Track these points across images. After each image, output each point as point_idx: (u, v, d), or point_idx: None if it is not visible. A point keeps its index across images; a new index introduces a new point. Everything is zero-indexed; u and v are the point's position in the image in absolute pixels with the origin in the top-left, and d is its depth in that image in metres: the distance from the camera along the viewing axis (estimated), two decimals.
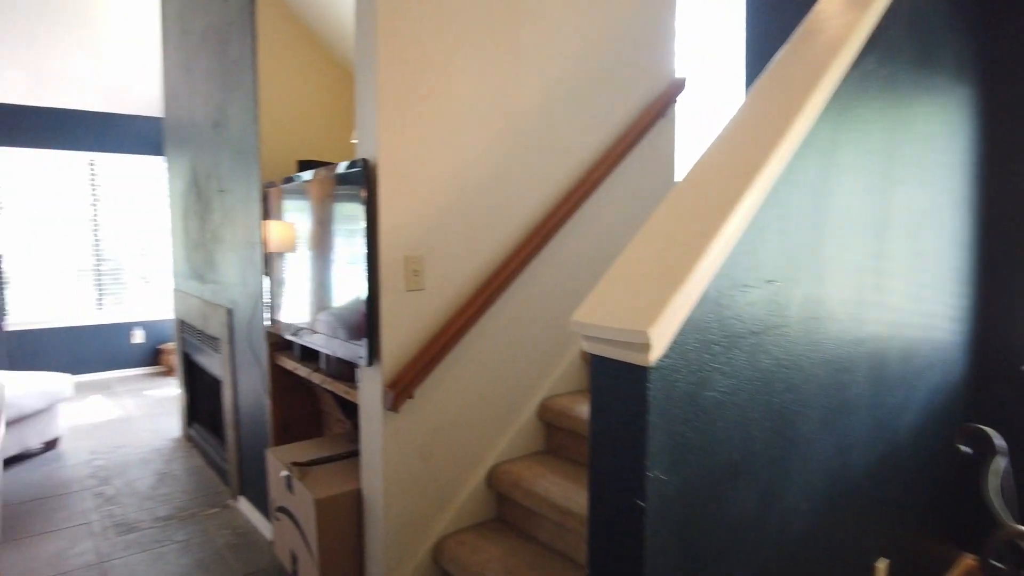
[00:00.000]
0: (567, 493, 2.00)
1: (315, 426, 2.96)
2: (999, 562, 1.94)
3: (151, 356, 6.41)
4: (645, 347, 1.06)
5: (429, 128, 2.02)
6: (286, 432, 2.85)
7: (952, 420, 2.22)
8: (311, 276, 2.37)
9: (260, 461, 2.97)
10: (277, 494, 2.40)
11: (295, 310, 2.51)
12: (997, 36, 2.21)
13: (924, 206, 1.92)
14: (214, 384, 3.77)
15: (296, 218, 2.45)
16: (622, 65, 2.55)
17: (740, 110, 1.47)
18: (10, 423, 3.74)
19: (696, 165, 1.37)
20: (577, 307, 1.90)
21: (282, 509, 2.36)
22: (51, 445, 4.12)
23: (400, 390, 1.94)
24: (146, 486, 3.50)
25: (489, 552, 2.04)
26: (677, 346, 1.13)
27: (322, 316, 2.29)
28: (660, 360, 1.09)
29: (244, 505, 3.19)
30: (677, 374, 1.13)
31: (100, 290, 6.16)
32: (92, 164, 6.01)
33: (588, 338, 1.15)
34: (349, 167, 2.03)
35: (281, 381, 2.82)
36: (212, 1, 3.19)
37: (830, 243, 1.53)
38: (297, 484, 2.20)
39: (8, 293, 5.65)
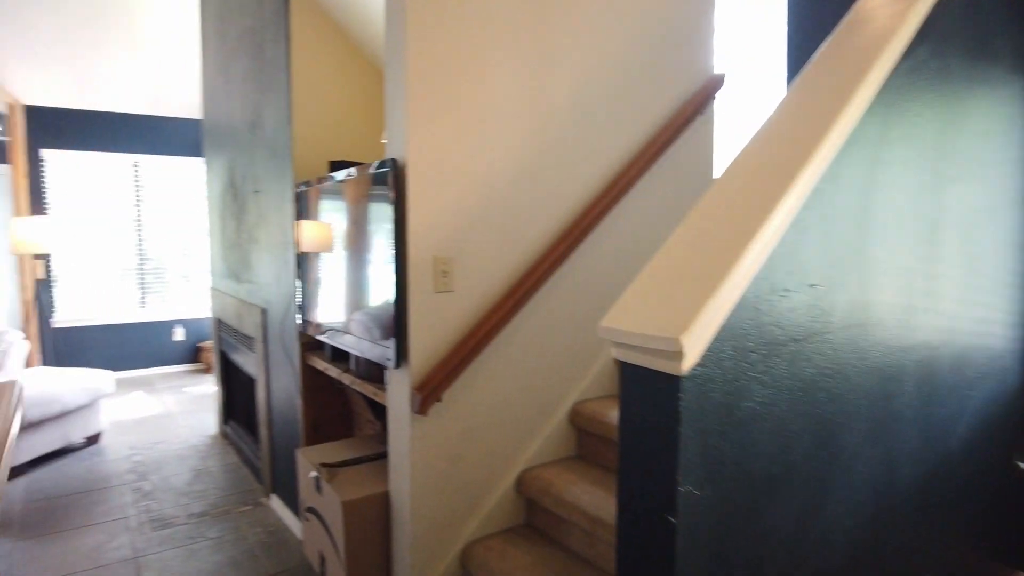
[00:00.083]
0: (598, 501, 1.94)
1: (346, 426, 2.96)
2: None
3: (191, 353, 6.54)
4: (678, 355, 1.01)
5: (459, 127, 1.98)
6: (317, 432, 2.86)
7: (1008, 433, 2.09)
8: (341, 277, 2.36)
9: (292, 460, 2.99)
10: (306, 494, 2.40)
11: (325, 310, 2.51)
12: None
13: (979, 205, 1.81)
14: (249, 382, 3.82)
15: (326, 219, 2.45)
16: (658, 61, 2.48)
17: (781, 105, 1.40)
18: (54, 418, 3.84)
19: (734, 163, 1.31)
20: (609, 310, 1.85)
21: (311, 510, 2.36)
22: (93, 440, 4.22)
23: (428, 393, 1.91)
24: (182, 482, 3.55)
25: (517, 559, 2.00)
26: (712, 354, 1.07)
27: (351, 317, 2.28)
28: (694, 369, 1.04)
29: (276, 503, 3.21)
30: (712, 383, 1.07)
31: (143, 289, 6.31)
32: (136, 166, 6.16)
33: (618, 345, 1.10)
34: (378, 167, 2.01)
35: (312, 381, 2.83)
36: (248, 4, 3.22)
37: (877, 245, 1.45)
38: (325, 485, 2.19)
39: (56, 292, 5.83)
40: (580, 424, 2.28)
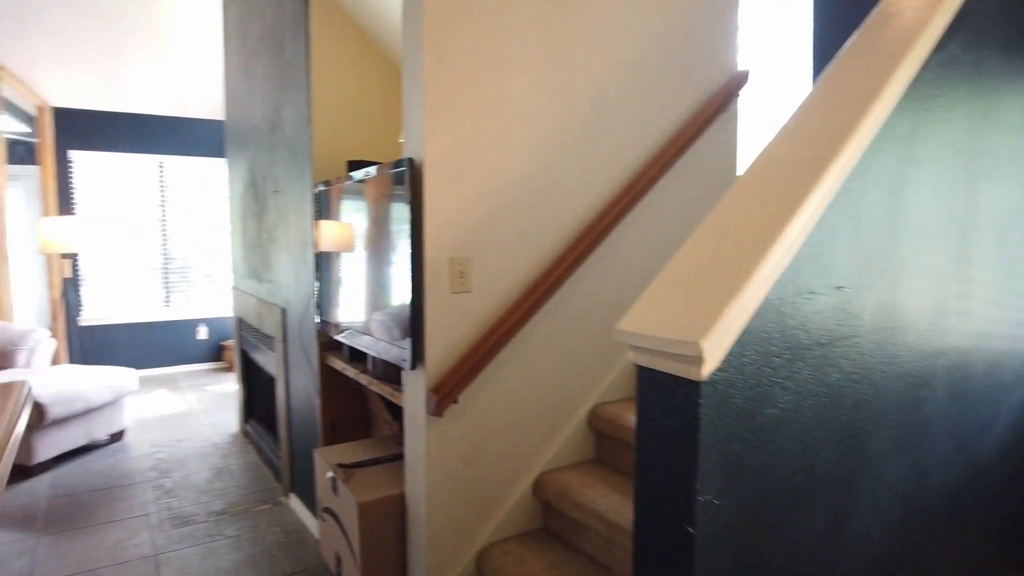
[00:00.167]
0: (616, 506, 1.91)
1: (364, 427, 2.96)
2: None
3: (214, 352, 6.62)
4: (697, 360, 0.97)
5: (477, 126, 1.96)
6: (335, 432, 2.86)
7: None
8: (358, 277, 2.35)
9: (310, 459, 2.99)
10: (323, 494, 2.40)
11: (342, 310, 2.50)
12: None
13: (1015, 205, 1.74)
14: (269, 382, 3.84)
15: (344, 219, 2.44)
16: (680, 57, 2.43)
17: (807, 100, 1.35)
18: (79, 415, 3.89)
19: (758, 160, 1.27)
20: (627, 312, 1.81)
21: (328, 510, 2.35)
22: (117, 437, 4.27)
23: (444, 395, 1.89)
24: (203, 480, 3.58)
25: (534, 564, 1.97)
26: (733, 358, 1.03)
27: (367, 317, 2.27)
28: (714, 374, 1.00)
29: (295, 503, 3.22)
30: (733, 389, 1.04)
31: (168, 288, 6.39)
32: (161, 166, 6.24)
33: (635, 348, 1.07)
34: (394, 167, 2.00)
35: (331, 381, 2.83)
36: (268, 4, 3.23)
37: (907, 245, 1.39)
38: (341, 486, 2.18)
39: (83, 290, 5.93)
40: (599, 427, 2.25)
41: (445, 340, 1.96)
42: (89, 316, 5.96)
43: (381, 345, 2.16)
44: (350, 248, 2.41)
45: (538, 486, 2.16)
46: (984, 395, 1.71)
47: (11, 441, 0.79)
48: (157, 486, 3.50)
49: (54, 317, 5.59)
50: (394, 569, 2.12)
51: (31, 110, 5.61)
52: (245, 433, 4.38)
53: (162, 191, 6.28)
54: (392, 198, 2.03)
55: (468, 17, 1.91)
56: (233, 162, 4.26)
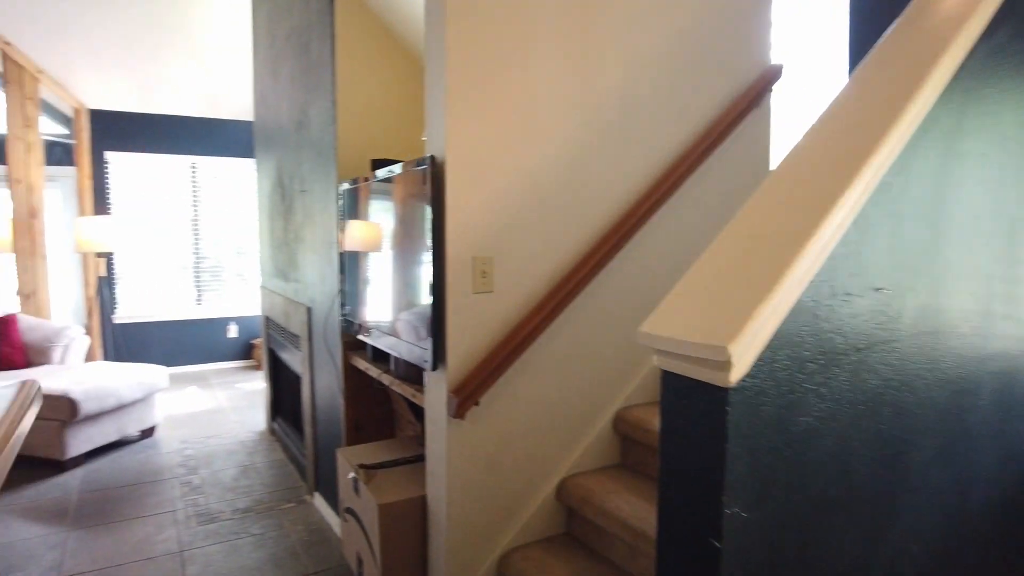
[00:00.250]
0: (641, 513, 1.86)
1: (388, 427, 2.94)
2: None
3: (244, 350, 6.69)
4: (725, 365, 0.92)
5: (500, 123, 1.92)
6: (359, 432, 2.85)
7: None
8: (380, 276, 2.33)
9: (334, 458, 2.99)
10: (345, 495, 2.39)
11: (365, 310, 2.49)
12: None
13: None
14: (295, 380, 3.85)
15: (367, 218, 2.43)
16: (710, 52, 2.37)
17: (844, 91, 1.29)
18: (111, 411, 3.96)
19: (791, 154, 1.21)
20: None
21: (349, 510, 2.34)
22: (147, 433, 4.34)
23: (465, 396, 1.85)
24: (229, 477, 3.61)
25: (556, 571, 1.92)
26: (764, 364, 0.97)
27: (389, 317, 2.25)
28: (743, 380, 0.95)
29: (319, 501, 3.22)
30: (763, 396, 0.98)
31: (199, 286, 6.49)
32: (194, 167, 6.34)
33: (659, 352, 1.02)
34: (416, 165, 1.97)
35: (355, 380, 2.82)
36: (295, 4, 3.24)
37: (951, 244, 1.32)
38: (363, 487, 2.17)
39: (117, 289, 6.05)
40: (624, 431, 2.19)
41: (467, 341, 1.93)
42: (123, 314, 6.08)
43: (402, 345, 2.13)
44: (373, 247, 2.40)
45: (561, 491, 2.12)
46: None
47: (12, 440, 0.78)
48: (185, 482, 3.54)
49: (89, 315, 5.71)
50: (414, 572, 2.10)
51: (68, 112, 5.73)
52: (272, 431, 4.41)
53: (194, 191, 6.38)
54: (414, 196, 2.01)
55: (491, 13, 1.88)
56: (261, 162, 4.29)
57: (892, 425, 1.23)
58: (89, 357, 5.54)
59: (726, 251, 1.08)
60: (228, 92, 5.87)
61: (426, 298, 1.94)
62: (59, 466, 3.76)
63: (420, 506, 2.09)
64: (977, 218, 1.37)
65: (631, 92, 2.19)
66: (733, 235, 1.11)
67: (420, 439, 2.59)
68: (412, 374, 2.33)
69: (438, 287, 1.90)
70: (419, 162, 1.95)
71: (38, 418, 3.65)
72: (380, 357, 2.64)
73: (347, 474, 2.34)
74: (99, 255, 5.80)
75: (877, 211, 1.14)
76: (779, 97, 2.66)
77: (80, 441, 3.76)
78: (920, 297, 1.25)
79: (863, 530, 1.19)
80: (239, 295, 6.68)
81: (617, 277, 2.22)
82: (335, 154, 2.73)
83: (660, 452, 1.04)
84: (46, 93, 5.37)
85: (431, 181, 1.87)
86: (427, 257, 1.92)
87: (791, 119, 3.00)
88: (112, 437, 4.00)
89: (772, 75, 2.49)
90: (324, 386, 3.10)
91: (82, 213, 5.69)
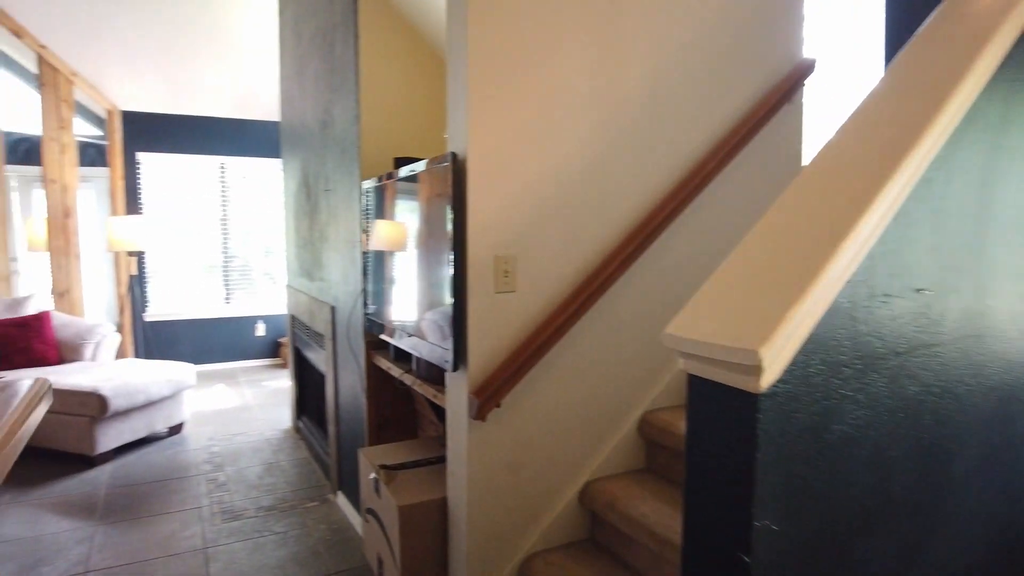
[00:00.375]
0: (666, 520, 1.80)
1: (411, 427, 2.93)
2: None
3: (271, 348, 6.76)
4: (756, 369, 0.87)
5: (523, 119, 1.89)
6: (381, 431, 2.84)
7: None
8: (402, 275, 2.32)
9: (357, 458, 2.98)
10: (367, 495, 2.37)
11: (387, 309, 2.47)
12: None
13: None
14: (320, 379, 3.86)
15: (390, 217, 2.41)
16: (741, 46, 2.30)
17: (882, 83, 1.22)
18: (140, 408, 4.01)
19: (826, 148, 1.15)
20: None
21: (371, 511, 2.33)
22: (175, 430, 4.39)
23: (486, 398, 1.82)
24: (254, 475, 3.63)
25: None
26: (797, 368, 0.92)
27: (411, 316, 2.23)
28: (775, 385, 0.90)
29: (342, 501, 3.22)
30: (796, 403, 0.93)
31: (228, 285, 6.56)
32: (223, 167, 6.42)
33: (685, 355, 0.97)
34: (437, 163, 1.94)
35: (378, 380, 2.80)
36: (320, 5, 3.24)
37: (997, 243, 1.25)
38: (383, 488, 2.15)
39: (148, 287, 6.15)
40: (650, 435, 2.14)
41: (488, 342, 1.89)
42: (154, 312, 6.17)
43: (423, 345, 2.11)
44: (395, 246, 2.38)
45: (585, 495, 2.07)
46: None
47: (16, 436, 0.77)
48: (211, 479, 3.57)
49: (121, 312, 5.81)
50: (434, 574, 2.07)
51: (101, 114, 5.84)
52: (297, 429, 4.43)
53: (223, 191, 6.46)
54: (437, 195, 1.98)
55: (513, 8, 1.84)
56: (287, 162, 4.32)
57: (933, 433, 1.16)
58: (120, 354, 5.64)
59: (757, 250, 1.03)
60: (256, 93, 5.93)
61: (447, 298, 1.92)
62: (89, 461, 3.82)
63: (440, 508, 2.06)
64: None
65: (657, 87, 2.14)
66: (764, 233, 1.06)
67: (442, 440, 2.56)
68: (434, 374, 2.31)
69: (459, 286, 1.87)
70: (442, 159, 1.92)
71: (69, 414, 3.71)
72: (402, 357, 2.63)
73: (368, 474, 2.32)
74: (131, 254, 5.90)
75: (918, 208, 1.08)
76: (812, 92, 2.58)
77: (109, 437, 3.82)
78: (964, 299, 1.19)
79: (902, 544, 1.13)
80: (267, 294, 6.74)
81: (643, 277, 2.17)
82: (358, 153, 2.72)
83: (686, 460, 1.00)
84: (80, 95, 5.47)
85: (453, 178, 1.85)
86: (449, 256, 1.89)
87: (824, 115, 2.91)
88: (141, 433, 4.05)
89: (805, 69, 2.42)
90: (347, 385, 3.10)
91: (114, 213, 5.79)
